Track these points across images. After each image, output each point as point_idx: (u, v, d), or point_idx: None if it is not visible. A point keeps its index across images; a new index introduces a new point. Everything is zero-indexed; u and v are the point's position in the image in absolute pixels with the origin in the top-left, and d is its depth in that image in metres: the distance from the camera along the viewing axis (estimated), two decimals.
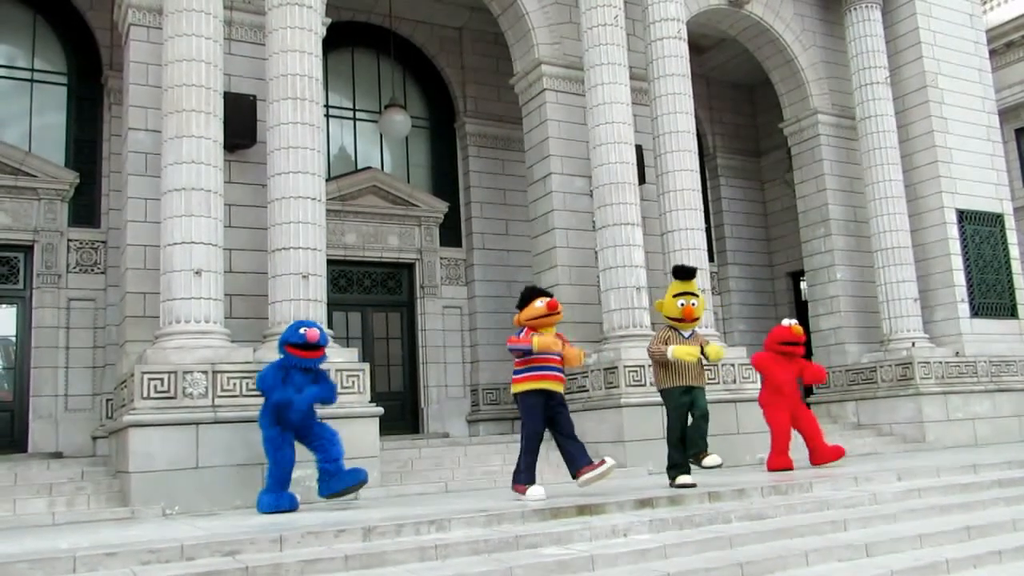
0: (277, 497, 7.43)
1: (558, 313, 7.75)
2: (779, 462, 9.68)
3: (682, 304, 8.21)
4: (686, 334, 8.31)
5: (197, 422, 8.07)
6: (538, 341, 7.52)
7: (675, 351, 7.98)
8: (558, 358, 7.76)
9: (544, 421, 7.70)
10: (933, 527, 6.74)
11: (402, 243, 14.15)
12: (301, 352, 7.59)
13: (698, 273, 11.35)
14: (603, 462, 7.52)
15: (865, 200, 14.46)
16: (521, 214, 14.03)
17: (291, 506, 7.44)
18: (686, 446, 8.14)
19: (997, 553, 6.17)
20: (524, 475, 7.57)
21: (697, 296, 8.37)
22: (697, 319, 8.37)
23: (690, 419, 8.23)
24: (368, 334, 13.80)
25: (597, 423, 10.69)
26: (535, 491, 7.37)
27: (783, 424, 9.82)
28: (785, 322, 10.17)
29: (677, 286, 8.37)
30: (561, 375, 7.81)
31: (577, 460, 7.60)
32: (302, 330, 7.60)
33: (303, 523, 6.30)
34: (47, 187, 11.88)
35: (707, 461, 8.00)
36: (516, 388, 7.77)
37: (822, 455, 10.01)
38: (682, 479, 7.84)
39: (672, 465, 8.06)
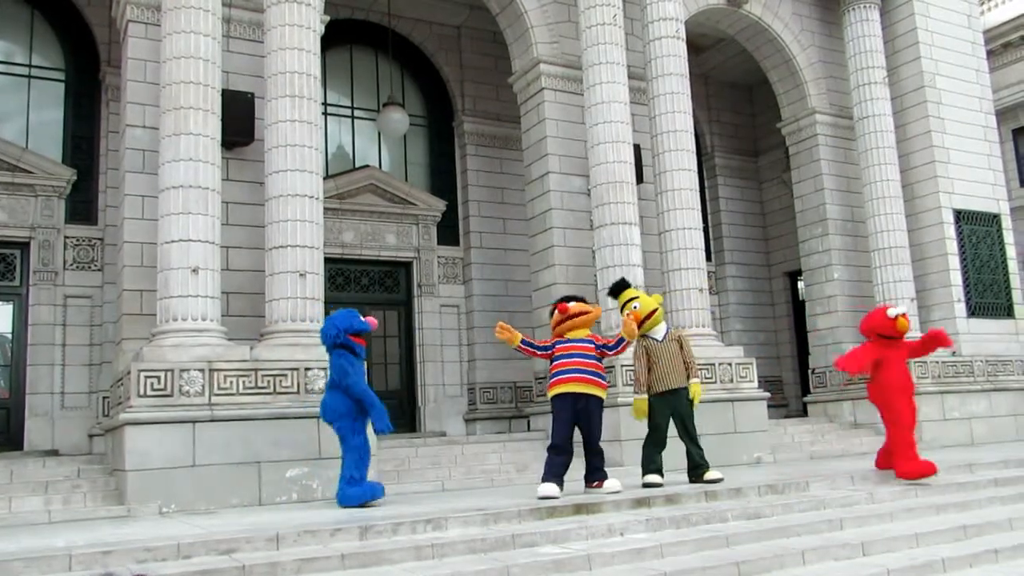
0: (362, 489, 7.31)
1: (573, 316, 7.81)
2: (916, 467, 8.17)
3: (627, 313, 8.12)
4: (658, 338, 8.24)
5: (194, 420, 8.06)
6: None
7: (634, 409, 8.20)
8: (595, 362, 7.74)
9: (570, 425, 7.69)
10: (929, 526, 6.76)
11: (400, 241, 14.14)
12: (362, 340, 7.61)
13: (696, 273, 11.45)
14: (602, 484, 7.64)
15: (862, 200, 14.48)
16: (519, 213, 14.03)
17: (373, 495, 7.32)
18: (688, 465, 8.22)
19: (993, 552, 6.19)
20: (544, 473, 7.53)
21: (638, 297, 8.34)
22: (650, 317, 8.16)
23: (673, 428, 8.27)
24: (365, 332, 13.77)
25: None
26: (544, 487, 7.28)
27: (907, 418, 8.38)
28: (891, 312, 8.71)
29: (620, 301, 8.38)
30: (593, 378, 7.70)
31: (590, 474, 7.75)
32: (365, 318, 7.62)
33: (299, 522, 6.30)
34: (44, 184, 11.86)
35: (708, 475, 8.03)
36: (548, 393, 7.84)
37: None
38: (649, 478, 7.97)
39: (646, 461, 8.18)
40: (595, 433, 7.78)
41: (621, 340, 7.88)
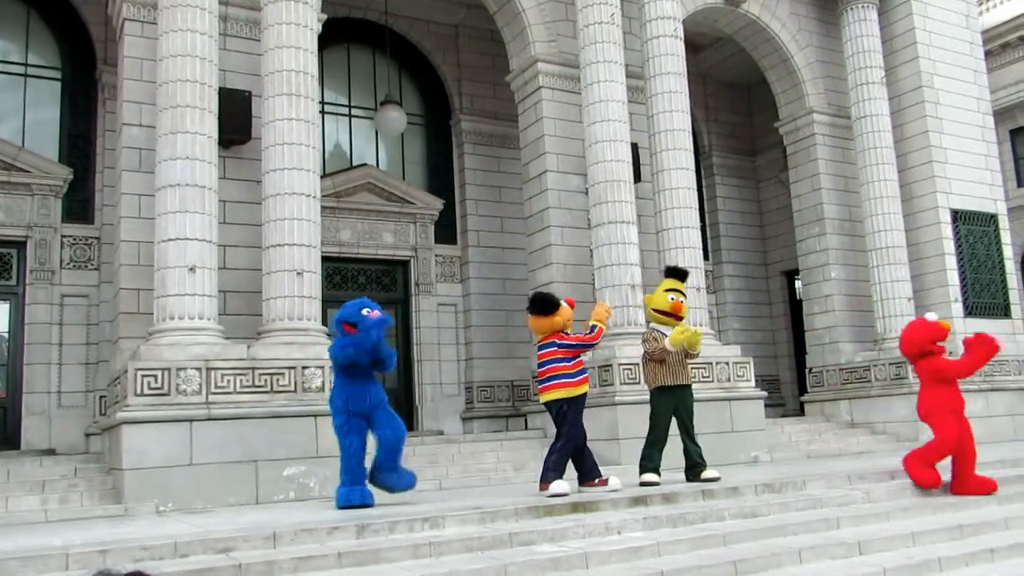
0: (348, 491, 7.12)
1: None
2: (925, 477, 7.95)
3: (672, 298, 8.26)
4: (669, 333, 8.29)
5: (191, 419, 8.05)
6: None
7: (671, 338, 7.96)
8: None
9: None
10: (926, 525, 6.76)
11: (397, 240, 14.13)
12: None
13: (693, 272, 11.45)
14: (601, 482, 7.58)
15: (860, 199, 14.49)
16: (517, 211, 14.02)
17: (362, 500, 7.07)
18: (685, 464, 8.21)
19: (989, 551, 6.18)
20: (555, 471, 7.39)
21: (685, 295, 8.45)
22: (682, 318, 8.36)
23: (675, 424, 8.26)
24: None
25: (591, 421, 10.62)
26: (560, 485, 7.18)
27: (952, 435, 7.95)
28: (930, 316, 8.51)
29: (668, 283, 8.44)
30: None
31: (588, 472, 7.68)
32: (365, 311, 7.08)
33: (296, 520, 6.29)
34: (41, 183, 11.84)
35: (706, 474, 8.03)
36: (578, 391, 7.60)
37: (969, 484, 8.02)
38: (646, 477, 7.93)
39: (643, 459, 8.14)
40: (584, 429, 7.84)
41: (593, 328, 7.82)
